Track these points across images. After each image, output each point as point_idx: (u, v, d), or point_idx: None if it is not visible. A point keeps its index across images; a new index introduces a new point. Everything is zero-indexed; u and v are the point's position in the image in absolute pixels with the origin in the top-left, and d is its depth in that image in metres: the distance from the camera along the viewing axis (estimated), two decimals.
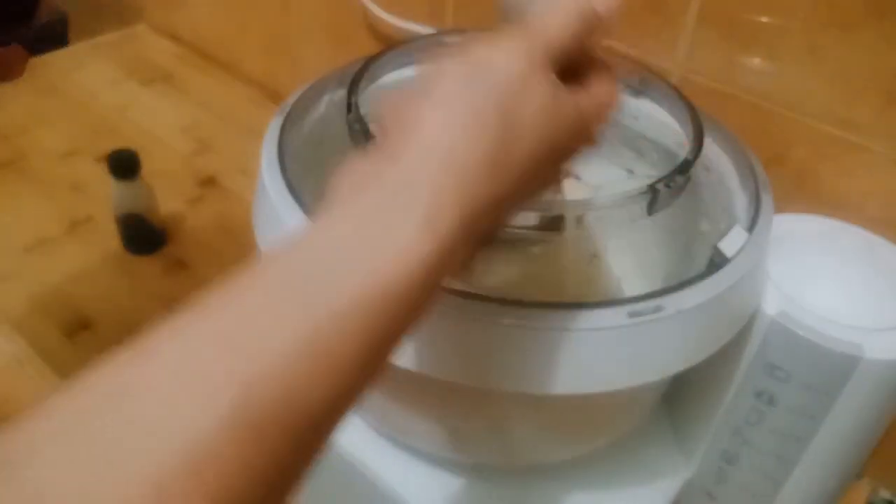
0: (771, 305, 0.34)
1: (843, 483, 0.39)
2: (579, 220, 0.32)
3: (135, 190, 0.56)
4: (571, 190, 0.37)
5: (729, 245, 0.31)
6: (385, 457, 0.37)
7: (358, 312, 0.18)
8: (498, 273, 0.34)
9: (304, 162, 0.34)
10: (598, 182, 0.40)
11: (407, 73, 0.40)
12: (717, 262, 0.31)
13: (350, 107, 0.33)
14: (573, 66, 0.25)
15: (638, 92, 0.40)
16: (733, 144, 0.37)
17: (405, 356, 0.29)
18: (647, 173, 0.40)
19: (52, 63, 0.82)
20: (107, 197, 0.57)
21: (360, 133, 0.32)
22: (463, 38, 0.41)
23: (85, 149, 0.69)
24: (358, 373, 0.19)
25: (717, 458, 0.38)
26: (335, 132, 0.34)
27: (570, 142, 0.25)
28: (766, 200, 0.34)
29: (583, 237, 0.35)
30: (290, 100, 0.37)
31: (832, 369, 0.33)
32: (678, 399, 0.41)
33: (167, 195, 0.63)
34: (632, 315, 0.28)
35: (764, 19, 0.42)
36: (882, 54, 0.38)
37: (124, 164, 0.55)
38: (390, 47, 0.38)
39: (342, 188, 0.21)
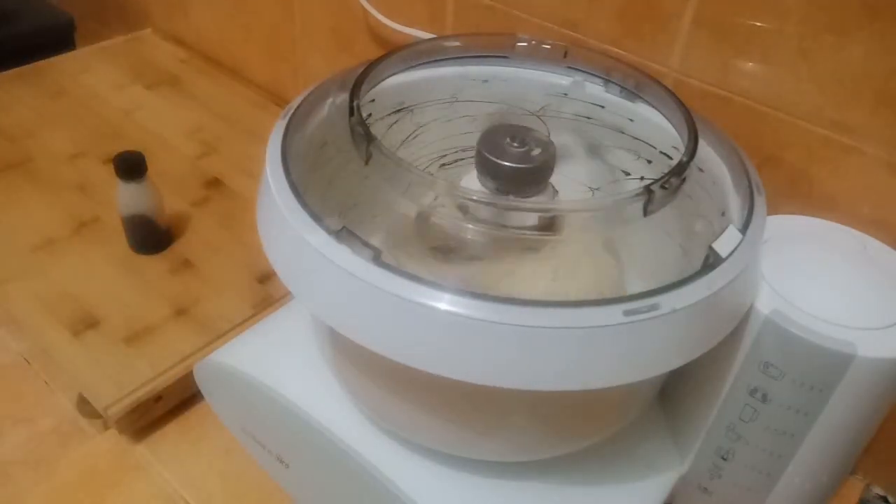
0: (765, 304, 0.34)
1: (836, 479, 0.39)
2: (576, 221, 0.33)
3: (141, 191, 0.57)
4: (569, 192, 0.38)
5: (723, 245, 0.32)
6: (385, 450, 0.38)
7: None
8: (496, 273, 0.35)
9: (307, 164, 0.34)
10: (594, 184, 0.41)
11: (407, 76, 0.41)
12: (711, 262, 0.31)
13: (352, 110, 0.34)
14: None
15: (633, 95, 0.40)
16: (727, 146, 0.38)
17: (407, 353, 0.29)
18: (642, 175, 0.41)
19: (60, 66, 0.83)
20: (113, 198, 0.58)
21: (361, 135, 0.33)
22: (462, 42, 0.42)
23: (92, 151, 0.70)
24: None
25: (711, 453, 0.39)
26: (338, 135, 0.35)
27: None
28: (760, 201, 0.35)
29: (580, 238, 0.36)
30: (294, 103, 0.38)
31: (826, 367, 0.33)
32: (673, 395, 0.42)
33: (173, 196, 0.64)
34: (627, 313, 0.28)
35: (758, 23, 0.42)
36: (874, 56, 0.39)
37: (131, 166, 0.56)
38: (391, 52, 0.39)
39: None
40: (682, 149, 0.34)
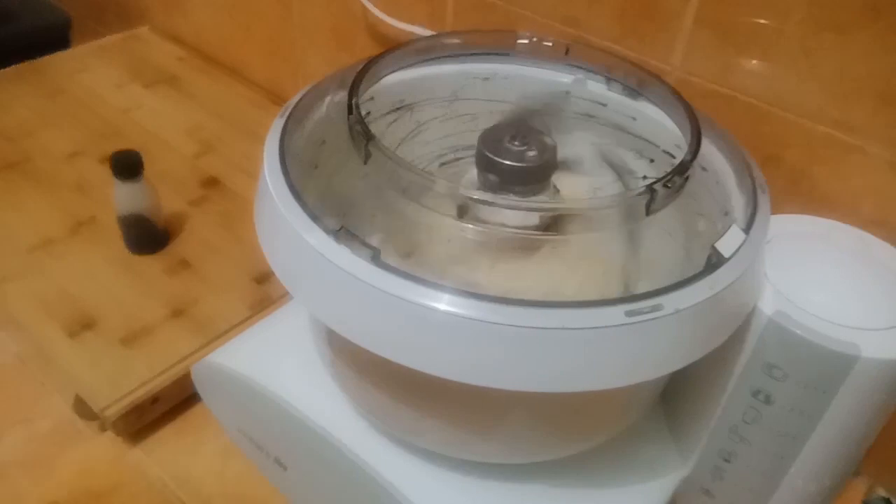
0: (768, 305, 0.34)
1: (839, 481, 0.39)
2: (578, 221, 0.33)
3: (138, 190, 0.56)
4: (571, 190, 0.38)
5: (726, 245, 0.31)
6: (384, 453, 0.37)
7: None
8: (498, 273, 0.35)
9: (305, 163, 0.34)
10: (597, 183, 0.41)
11: (406, 74, 0.41)
12: (714, 262, 0.31)
13: (351, 108, 0.34)
14: None
15: (636, 93, 0.40)
16: (730, 145, 0.37)
17: (405, 354, 0.29)
18: (645, 174, 0.40)
19: (57, 65, 0.82)
20: (110, 197, 0.57)
21: (360, 134, 0.32)
22: (462, 39, 0.42)
23: (89, 150, 0.70)
24: None
25: (714, 455, 0.38)
26: (336, 133, 0.34)
27: None
28: (764, 201, 0.34)
29: (581, 237, 0.36)
30: (292, 102, 0.37)
31: (829, 368, 0.33)
32: (675, 397, 0.41)
33: (170, 196, 0.64)
34: (629, 314, 0.28)
35: (760, 21, 0.42)
36: (876, 56, 0.39)
37: (128, 165, 0.56)
38: (390, 49, 0.39)
39: None
40: (685, 147, 0.34)
